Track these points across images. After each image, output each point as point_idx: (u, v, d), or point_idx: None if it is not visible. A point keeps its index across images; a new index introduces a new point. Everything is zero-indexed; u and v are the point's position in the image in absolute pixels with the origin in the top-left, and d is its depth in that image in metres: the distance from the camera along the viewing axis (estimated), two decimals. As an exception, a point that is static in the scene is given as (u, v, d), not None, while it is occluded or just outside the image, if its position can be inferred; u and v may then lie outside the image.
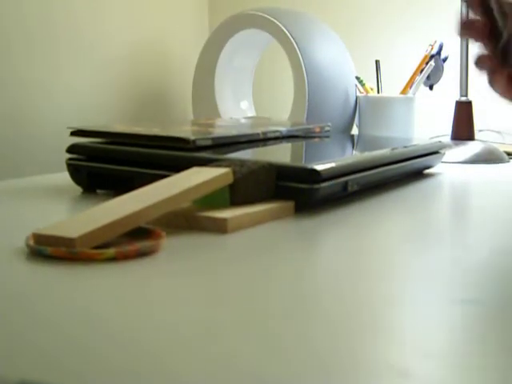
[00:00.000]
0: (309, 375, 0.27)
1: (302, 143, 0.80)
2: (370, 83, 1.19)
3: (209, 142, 0.70)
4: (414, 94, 1.15)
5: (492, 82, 0.51)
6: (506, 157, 1.04)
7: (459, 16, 0.61)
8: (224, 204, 0.56)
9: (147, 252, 0.46)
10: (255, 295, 0.37)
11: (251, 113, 1.25)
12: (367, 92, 1.18)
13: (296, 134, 0.86)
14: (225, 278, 0.41)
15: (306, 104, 1.07)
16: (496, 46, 0.51)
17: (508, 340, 0.31)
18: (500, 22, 0.51)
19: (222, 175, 0.56)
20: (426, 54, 1.16)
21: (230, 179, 0.56)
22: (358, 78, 1.18)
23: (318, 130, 0.90)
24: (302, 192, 0.60)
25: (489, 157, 1.02)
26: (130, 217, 0.47)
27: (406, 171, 0.79)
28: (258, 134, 0.78)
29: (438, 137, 1.12)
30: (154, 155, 0.67)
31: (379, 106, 1.13)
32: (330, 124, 0.93)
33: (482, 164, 0.99)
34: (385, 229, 0.55)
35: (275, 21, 1.09)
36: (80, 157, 0.71)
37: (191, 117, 1.28)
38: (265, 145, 0.77)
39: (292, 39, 1.07)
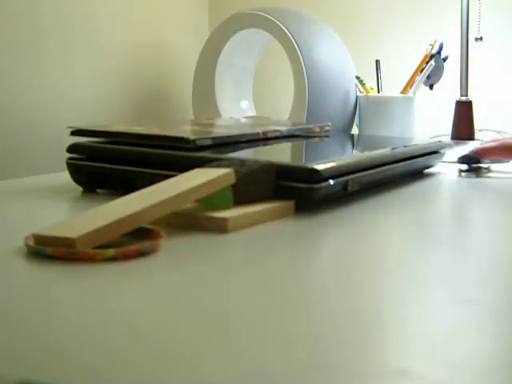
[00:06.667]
0: (309, 374, 0.27)
1: (302, 143, 0.80)
2: (370, 83, 1.19)
3: (209, 142, 0.70)
4: (414, 93, 1.15)
5: None
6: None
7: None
8: (227, 204, 0.56)
9: (147, 252, 0.46)
10: (255, 294, 0.37)
11: (251, 112, 1.25)
12: (367, 92, 1.18)
13: (296, 133, 0.86)
14: (225, 278, 0.41)
15: (306, 104, 1.07)
16: None
17: (509, 340, 0.31)
18: None
19: (223, 175, 0.56)
20: (426, 53, 1.16)
21: (231, 179, 0.56)
22: (358, 77, 1.18)
23: (317, 129, 0.90)
24: (302, 192, 0.60)
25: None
26: (131, 217, 0.47)
27: (405, 171, 0.79)
28: (258, 133, 0.78)
29: (438, 137, 1.12)
30: (154, 155, 0.67)
31: (379, 105, 1.13)
32: (329, 124, 0.93)
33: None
34: (385, 229, 0.55)
35: (275, 20, 1.09)
36: (80, 156, 0.71)
37: (191, 116, 1.28)
38: (265, 144, 0.77)
39: (292, 39, 1.07)
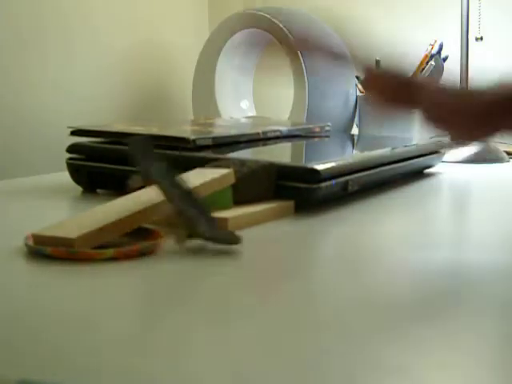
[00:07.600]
0: (309, 374, 0.27)
1: (302, 143, 0.80)
2: (370, 83, 1.19)
3: (209, 142, 0.70)
4: (414, 93, 1.14)
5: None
6: (506, 156, 1.04)
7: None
8: (227, 204, 0.56)
9: (147, 252, 0.46)
10: (255, 294, 0.37)
11: (251, 112, 1.25)
12: (367, 92, 1.18)
13: (296, 133, 0.86)
14: (225, 278, 0.41)
15: (306, 104, 1.07)
16: None
17: (509, 340, 0.31)
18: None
19: (223, 175, 0.55)
20: (426, 53, 1.16)
21: (231, 180, 0.56)
22: (358, 77, 1.18)
23: (317, 129, 0.90)
24: (302, 192, 0.60)
25: (489, 156, 1.01)
26: (131, 217, 0.47)
27: (406, 171, 0.79)
28: (258, 133, 0.78)
29: (438, 136, 1.12)
30: (154, 155, 0.67)
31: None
32: (330, 124, 0.93)
33: (481, 164, 0.99)
34: (385, 228, 0.55)
35: (275, 20, 1.09)
36: (80, 156, 0.71)
37: (191, 116, 1.28)
38: (265, 144, 0.77)
39: (292, 38, 1.07)
